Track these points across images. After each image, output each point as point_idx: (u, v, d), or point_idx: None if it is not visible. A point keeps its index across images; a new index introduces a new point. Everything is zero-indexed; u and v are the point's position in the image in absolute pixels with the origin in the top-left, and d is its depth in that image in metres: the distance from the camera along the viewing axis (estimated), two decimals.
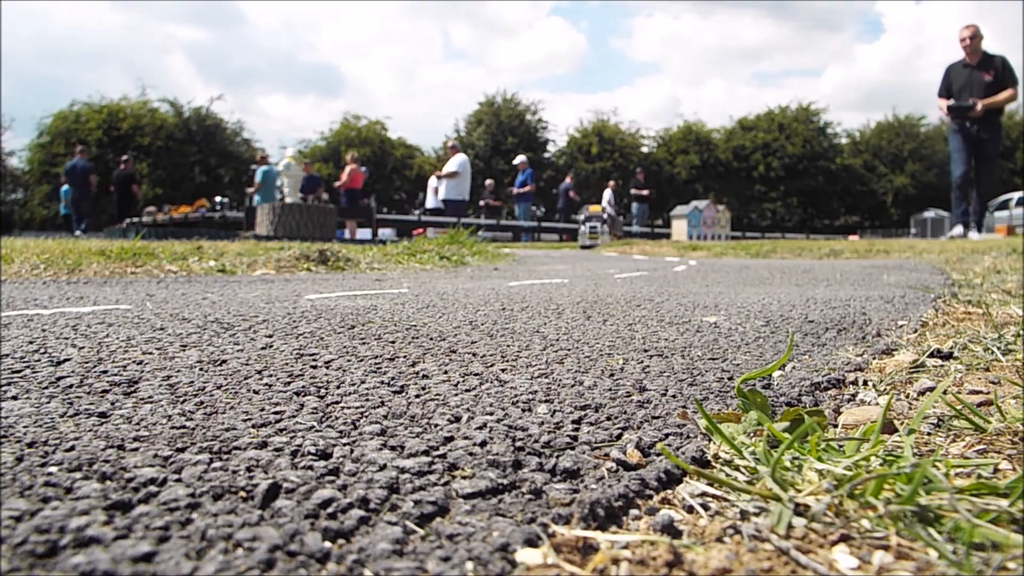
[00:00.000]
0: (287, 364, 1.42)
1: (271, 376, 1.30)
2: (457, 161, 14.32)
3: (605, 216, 15.14)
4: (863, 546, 0.60)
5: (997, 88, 9.08)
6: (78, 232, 13.82)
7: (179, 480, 0.75)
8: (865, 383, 1.31)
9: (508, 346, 1.69)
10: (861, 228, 39.19)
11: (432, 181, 15.66)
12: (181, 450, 0.85)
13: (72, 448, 0.85)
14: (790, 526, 0.64)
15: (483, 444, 0.89)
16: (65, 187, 16.54)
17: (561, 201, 20.67)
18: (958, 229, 9.72)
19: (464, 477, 0.78)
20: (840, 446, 0.83)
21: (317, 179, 16.38)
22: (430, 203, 15.71)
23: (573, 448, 0.89)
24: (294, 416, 1.02)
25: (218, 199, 19.21)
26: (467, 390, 1.21)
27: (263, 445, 0.87)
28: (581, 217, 15.69)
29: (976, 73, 9.19)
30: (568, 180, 20.75)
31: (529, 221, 18.45)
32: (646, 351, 1.64)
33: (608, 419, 1.04)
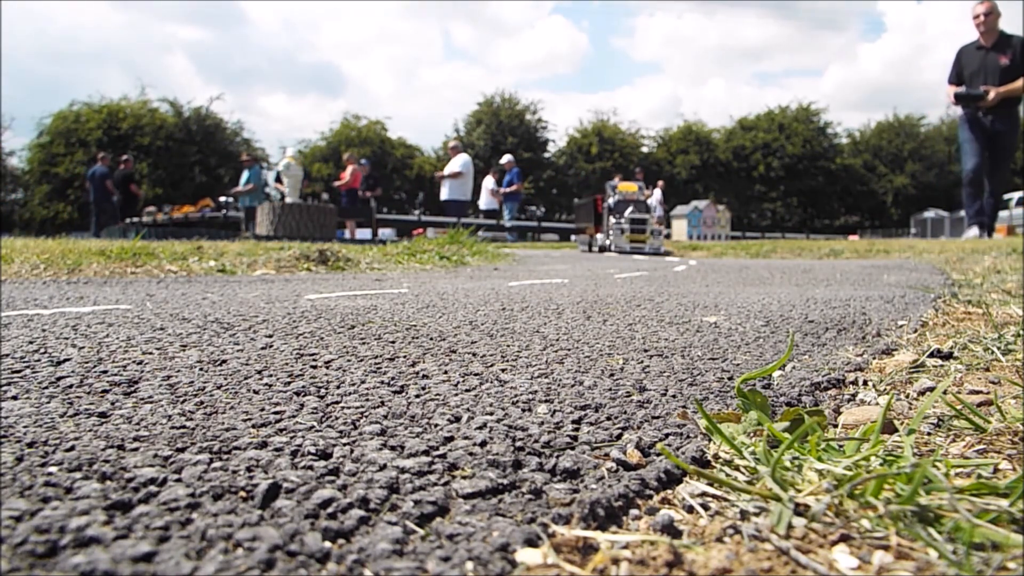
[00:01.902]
0: (287, 364, 1.42)
1: (271, 376, 1.30)
2: (460, 161, 14.33)
3: (651, 200, 10.52)
4: (863, 546, 0.60)
5: (1014, 74, 7.75)
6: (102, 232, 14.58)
7: (179, 480, 0.74)
8: (865, 383, 1.31)
9: (508, 346, 1.69)
10: (861, 228, 39.20)
11: (486, 182, 15.85)
12: (181, 450, 0.85)
13: (72, 448, 0.85)
14: (790, 526, 0.64)
15: (483, 444, 0.89)
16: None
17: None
18: (973, 231, 8.36)
19: (464, 477, 0.78)
20: (840, 446, 0.83)
21: (305, 171, 16.37)
22: (483, 204, 15.94)
23: (573, 448, 0.89)
24: (294, 416, 1.02)
25: (223, 199, 19.09)
26: (467, 390, 1.21)
27: (263, 445, 0.87)
28: (610, 200, 10.22)
29: (991, 56, 7.88)
30: (616, 179, 20.73)
31: (517, 221, 18.25)
32: (646, 351, 1.64)
33: (608, 419, 1.04)
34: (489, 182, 15.96)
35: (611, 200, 10.49)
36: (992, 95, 7.75)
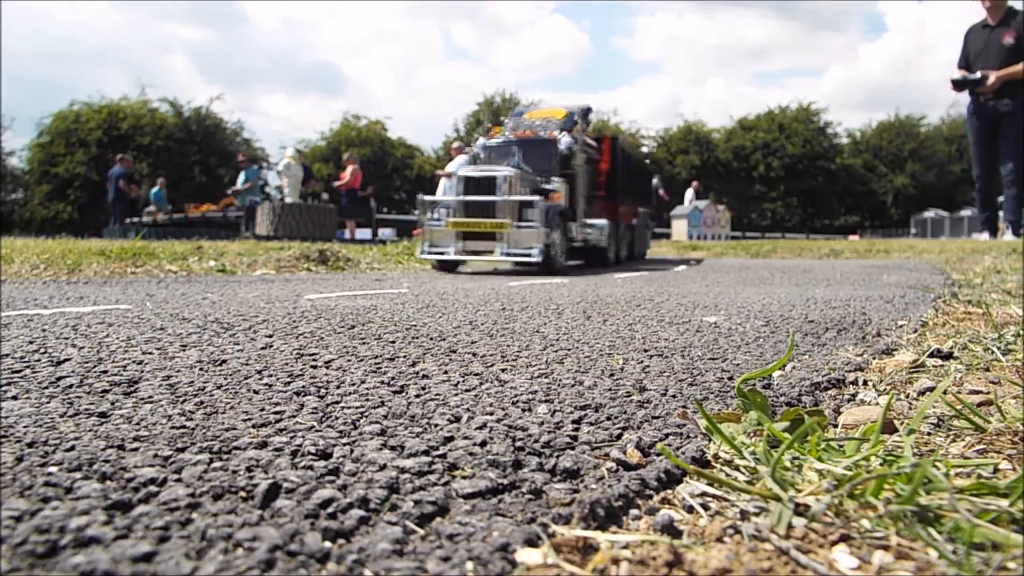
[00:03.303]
0: (287, 364, 1.42)
1: (271, 376, 1.30)
2: (456, 162, 14.38)
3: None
4: (863, 546, 0.60)
5: (1019, 54, 6.89)
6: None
7: (179, 480, 0.74)
8: (865, 383, 1.31)
9: (508, 346, 1.69)
10: (861, 228, 39.19)
11: None
12: (181, 450, 0.85)
13: (72, 448, 0.85)
14: (790, 526, 0.64)
15: (483, 444, 0.89)
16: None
17: (652, 200, 20.65)
18: (984, 235, 7.73)
19: (464, 477, 0.78)
20: (840, 446, 0.83)
21: (308, 169, 16.36)
22: None
23: (573, 448, 0.89)
24: (294, 416, 1.02)
25: (252, 199, 18.80)
26: (467, 390, 1.21)
27: (263, 445, 0.87)
28: (478, 146, 6.12)
29: (996, 34, 7.02)
30: (655, 180, 20.87)
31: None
32: (646, 351, 1.64)
33: (608, 419, 1.04)
34: None
35: (480, 144, 5.82)
36: (991, 80, 6.90)
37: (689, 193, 20.58)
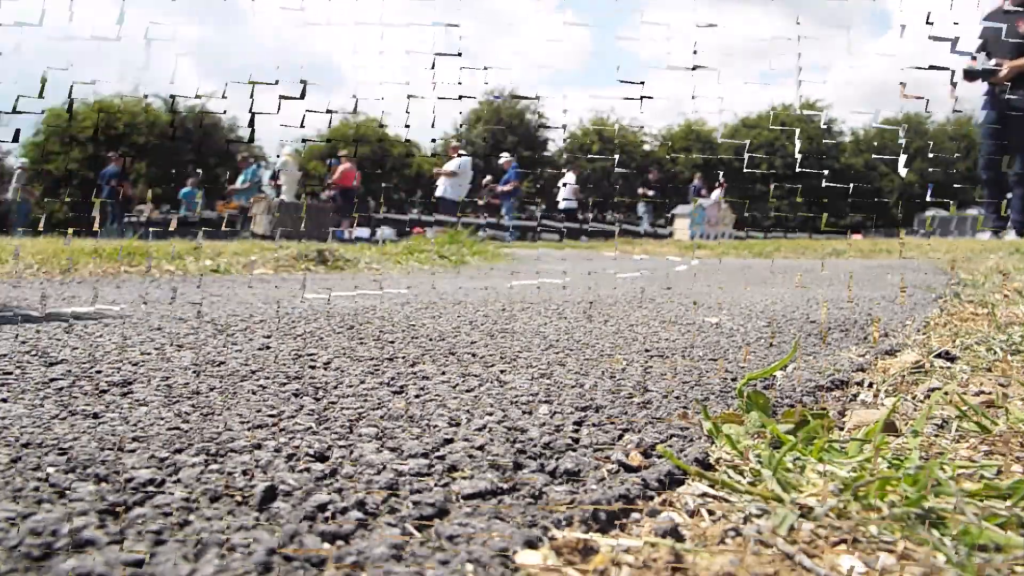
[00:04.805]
0: (285, 365, 1.41)
1: (268, 377, 1.29)
2: (457, 162, 14.45)
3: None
4: (867, 549, 0.59)
5: None
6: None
7: (175, 482, 0.74)
8: (869, 384, 1.30)
9: (508, 346, 1.68)
10: (865, 227, 39.14)
11: (566, 179, 16.62)
12: (177, 452, 0.84)
13: (67, 450, 0.84)
14: (793, 528, 0.63)
15: (483, 446, 0.88)
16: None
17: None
18: (986, 235, 7.34)
19: (464, 479, 0.77)
20: (843, 448, 0.82)
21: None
22: (563, 203, 16.65)
23: (574, 450, 0.88)
24: (292, 417, 1.01)
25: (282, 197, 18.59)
26: (467, 391, 1.20)
27: (260, 447, 0.86)
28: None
29: (1013, 20, 6.52)
30: (697, 180, 21.03)
31: (515, 220, 18.27)
32: (647, 352, 1.63)
33: (609, 420, 1.03)
34: (570, 178, 16.69)
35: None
36: (1005, 70, 6.34)
37: (716, 193, 20.69)
